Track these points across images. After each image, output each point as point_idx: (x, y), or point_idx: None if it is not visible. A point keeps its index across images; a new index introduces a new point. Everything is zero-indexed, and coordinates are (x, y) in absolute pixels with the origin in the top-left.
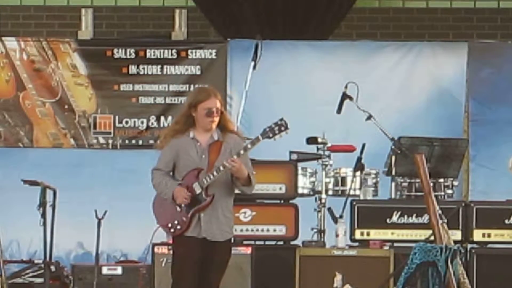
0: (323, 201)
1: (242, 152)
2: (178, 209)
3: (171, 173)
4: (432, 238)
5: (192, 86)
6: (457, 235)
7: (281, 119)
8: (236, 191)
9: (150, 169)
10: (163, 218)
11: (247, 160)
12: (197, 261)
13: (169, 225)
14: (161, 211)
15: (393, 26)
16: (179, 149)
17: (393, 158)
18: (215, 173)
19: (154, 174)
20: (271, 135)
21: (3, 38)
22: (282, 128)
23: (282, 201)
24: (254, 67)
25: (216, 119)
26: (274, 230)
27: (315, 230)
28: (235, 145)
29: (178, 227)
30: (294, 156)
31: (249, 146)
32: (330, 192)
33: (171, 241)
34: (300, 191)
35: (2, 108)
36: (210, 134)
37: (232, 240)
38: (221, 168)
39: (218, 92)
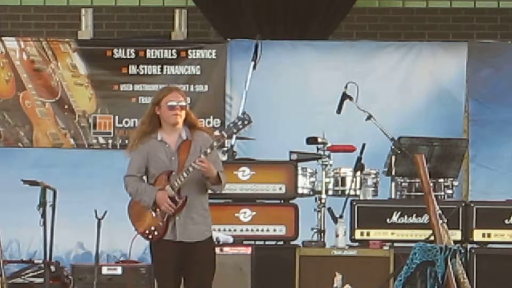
0: (323, 201)
1: (208, 151)
2: (154, 214)
3: (144, 178)
4: (432, 238)
5: (192, 86)
6: (457, 235)
7: (244, 113)
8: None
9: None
10: (140, 225)
11: (215, 158)
12: (177, 264)
13: (147, 231)
14: (137, 218)
15: (393, 26)
16: (148, 153)
17: (393, 158)
18: (185, 174)
19: (128, 181)
20: (235, 130)
21: (3, 38)
22: (246, 122)
23: (282, 201)
24: (254, 67)
25: (180, 113)
26: (274, 230)
27: (315, 230)
28: (204, 142)
29: (156, 232)
30: (294, 156)
31: (215, 144)
32: (330, 192)
33: None
34: (300, 191)
35: (2, 108)
36: (178, 133)
37: (232, 240)
38: (190, 169)
39: (181, 90)
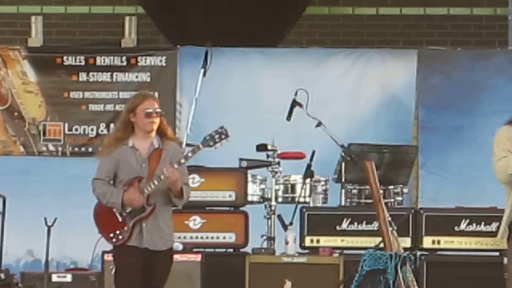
0: (272, 208)
1: (182, 161)
2: (120, 218)
3: (112, 183)
4: (381, 245)
5: None
6: (406, 242)
7: (221, 127)
8: None
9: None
10: (104, 228)
11: (184, 169)
12: (140, 271)
13: (111, 235)
14: (102, 221)
15: (343, 33)
16: (119, 159)
17: (343, 165)
18: (156, 182)
19: (96, 184)
20: (211, 143)
21: None
22: (223, 136)
23: (231, 208)
24: (204, 74)
25: (156, 120)
26: (224, 238)
27: (265, 237)
28: (175, 152)
29: (120, 237)
30: (244, 163)
31: (189, 154)
32: (279, 199)
33: None
34: (249, 198)
35: None
36: (150, 141)
37: (182, 248)
38: (162, 177)
39: (154, 96)
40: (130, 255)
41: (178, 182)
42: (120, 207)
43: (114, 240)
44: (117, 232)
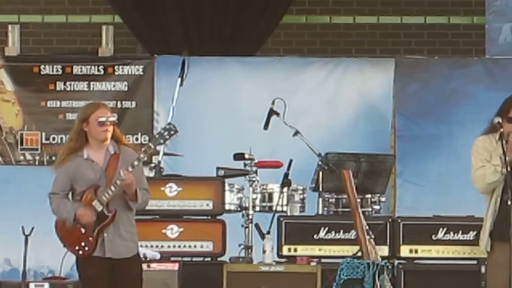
0: (250, 217)
1: (136, 162)
2: (83, 230)
3: (69, 196)
4: (359, 254)
5: (119, 102)
6: (384, 250)
7: (169, 123)
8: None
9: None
10: (69, 242)
11: (140, 174)
12: (107, 281)
13: (77, 247)
14: (66, 235)
15: (320, 42)
16: (74, 172)
17: (320, 174)
18: (113, 188)
19: (52, 199)
20: (162, 141)
21: None
22: (172, 132)
23: (209, 217)
24: (181, 83)
25: (110, 129)
26: (201, 246)
27: (242, 246)
28: (130, 157)
29: (86, 248)
30: (221, 172)
31: (142, 155)
32: (257, 208)
33: None
34: (227, 207)
35: None
36: (105, 148)
37: (159, 256)
38: (118, 182)
39: (107, 105)
40: (94, 265)
41: (133, 185)
42: (73, 221)
43: (80, 252)
44: (82, 244)
